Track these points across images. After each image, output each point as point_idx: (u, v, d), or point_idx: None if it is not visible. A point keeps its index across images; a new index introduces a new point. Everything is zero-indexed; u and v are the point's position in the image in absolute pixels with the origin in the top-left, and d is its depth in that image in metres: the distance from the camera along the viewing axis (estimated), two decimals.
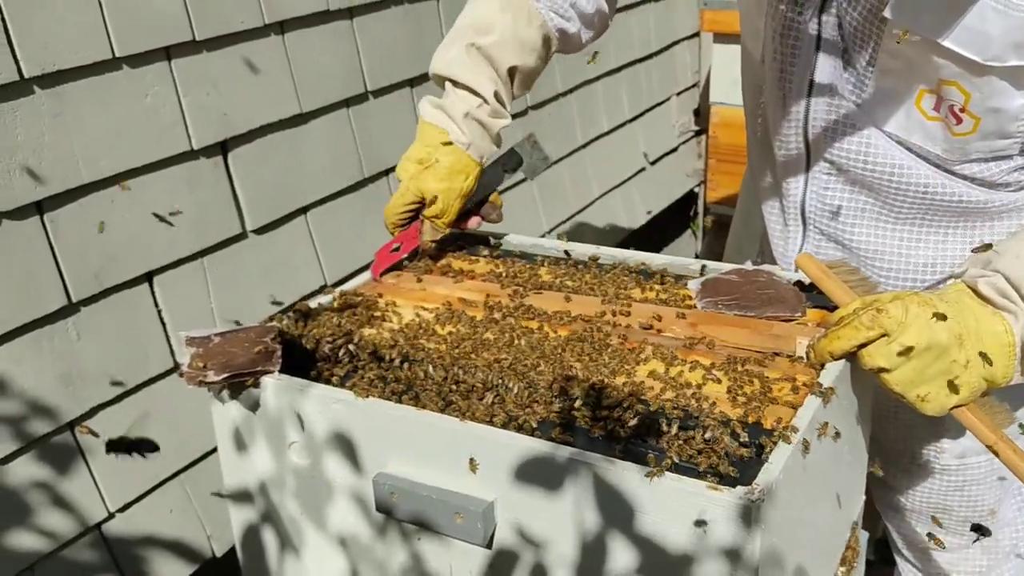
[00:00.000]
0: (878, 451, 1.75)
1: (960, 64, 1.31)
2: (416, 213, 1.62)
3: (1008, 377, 1.25)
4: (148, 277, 1.83)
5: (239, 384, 1.35)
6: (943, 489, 1.72)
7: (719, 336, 1.38)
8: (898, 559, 1.90)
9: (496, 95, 1.58)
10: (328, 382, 1.35)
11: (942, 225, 1.54)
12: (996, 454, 1.25)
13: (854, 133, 1.49)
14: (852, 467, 1.48)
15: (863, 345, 1.22)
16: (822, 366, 1.28)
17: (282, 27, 2.05)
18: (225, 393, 1.38)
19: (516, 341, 1.41)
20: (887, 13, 1.33)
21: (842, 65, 1.47)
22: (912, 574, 1.87)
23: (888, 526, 1.85)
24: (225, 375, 1.32)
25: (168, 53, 1.81)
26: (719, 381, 1.27)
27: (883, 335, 1.20)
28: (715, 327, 1.40)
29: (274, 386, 1.34)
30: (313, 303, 1.60)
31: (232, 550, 1.85)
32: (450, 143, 1.56)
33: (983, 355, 1.22)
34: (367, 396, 1.28)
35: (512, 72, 1.60)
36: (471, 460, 1.18)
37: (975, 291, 1.27)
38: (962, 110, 1.37)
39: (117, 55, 1.71)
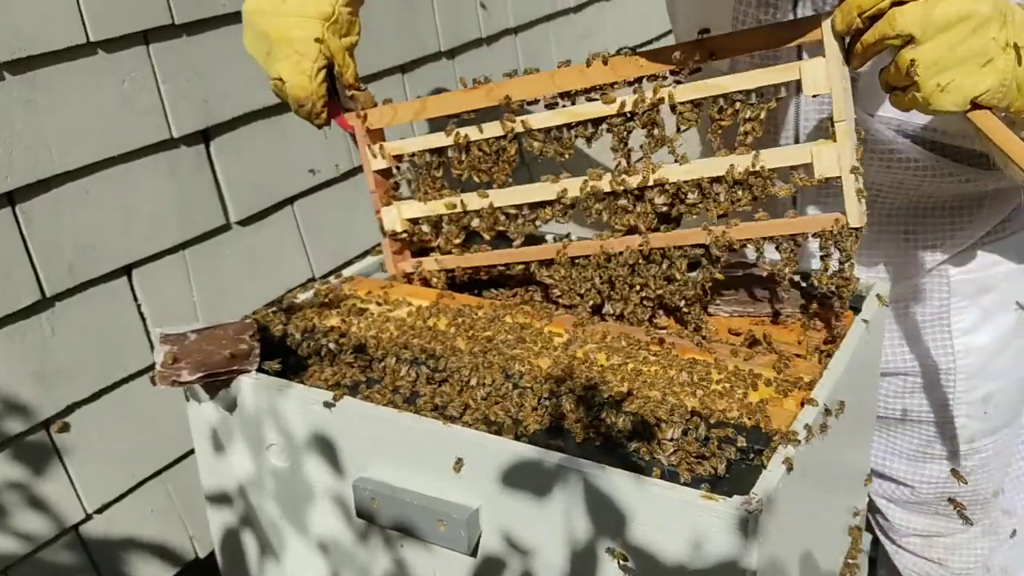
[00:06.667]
0: (886, 448, 1.72)
1: None
2: None
3: None
4: (127, 270, 1.76)
5: (215, 384, 1.30)
6: (949, 478, 1.69)
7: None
8: (891, 548, 1.85)
9: None
10: (310, 380, 1.30)
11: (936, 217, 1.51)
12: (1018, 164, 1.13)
13: None
14: (854, 469, 1.42)
15: (896, 4, 1.07)
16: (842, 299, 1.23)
17: None
18: (201, 393, 1.33)
19: (506, 338, 1.36)
20: None
21: None
22: (911, 561, 1.83)
23: (882, 518, 1.81)
24: (199, 375, 1.26)
25: (146, 37, 1.74)
26: (717, 382, 1.22)
27: None
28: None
29: (252, 386, 1.29)
30: (299, 297, 1.55)
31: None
32: None
33: None
34: (342, 397, 1.22)
35: None
36: (457, 460, 1.13)
37: None
38: None
39: (92, 39, 1.64)
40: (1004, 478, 1.74)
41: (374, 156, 1.51)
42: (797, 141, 1.49)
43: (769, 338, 1.32)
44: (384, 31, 2.27)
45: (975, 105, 1.10)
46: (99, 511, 1.74)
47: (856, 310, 1.36)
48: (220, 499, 1.42)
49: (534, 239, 1.48)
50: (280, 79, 1.40)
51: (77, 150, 1.65)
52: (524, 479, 1.09)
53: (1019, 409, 1.69)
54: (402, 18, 2.33)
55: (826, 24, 1.16)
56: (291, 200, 2.10)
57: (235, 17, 1.88)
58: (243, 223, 1.98)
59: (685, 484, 1.03)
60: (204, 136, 1.89)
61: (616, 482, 1.03)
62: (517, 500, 1.10)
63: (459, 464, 1.13)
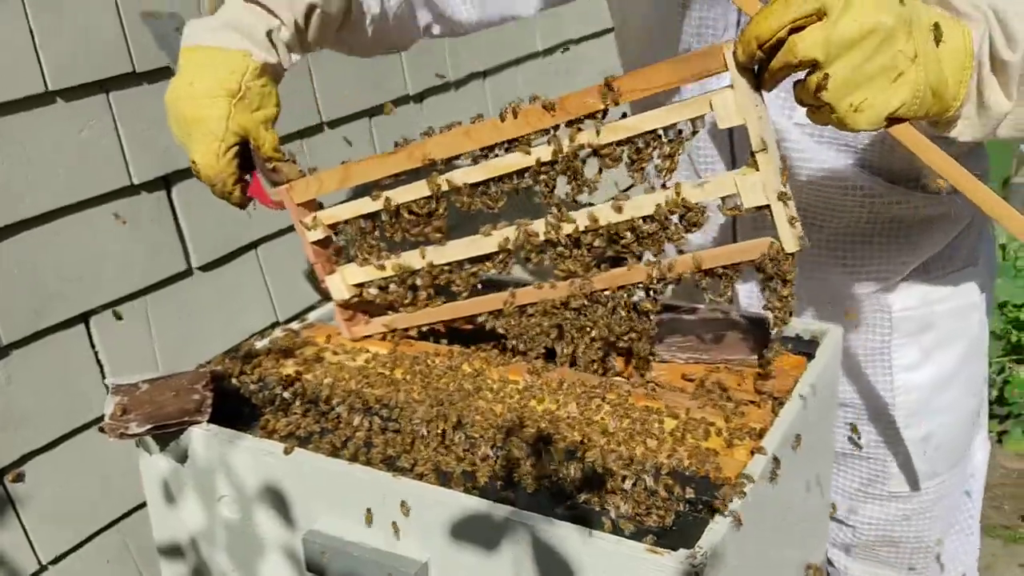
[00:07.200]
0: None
1: None
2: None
3: (958, 97, 1.10)
4: (84, 318, 1.75)
5: (165, 435, 1.29)
6: (890, 520, 1.69)
7: None
8: None
9: (296, 24, 1.42)
10: (263, 430, 1.29)
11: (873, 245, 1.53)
12: (947, 178, 1.11)
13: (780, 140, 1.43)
14: (812, 512, 1.42)
15: (795, 31, 1.02)
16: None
17: None
18: (152, 444, 1.31)
19: (462, 386, 1.35)
20: None
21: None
22: None
23: (832, 563, 1.81)
24: (148, 427, 1.25)
25: (105, 86, 1.74)
26: (669, 432, 1.21)
27: (819, 13, 1.01)
28: None
29: (203, 437, 1.28)
30: (257, 344, 1.54)
31: None
32: (255, 65, 1.37)
33: (936, 27, 1.05)
34: (293, 450, 1.21)
35: (310, 12, 1.43)
36: (402, 503, 1.11)
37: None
38: None
39: (51, 88, 1.65)
40: (948, 528, 1.73)
41: (308, 228, 1.48)
42: (732, 154, 1.50)
43: (722, 385, 1.32)
44: (350, 76, 2.28)
45: (893, 120, 1.08)
46: (53, 562, 1.71)
47: (810, 356, 1.37)
48: (172, 551, 1.40)
49: (490, 286, 1.48)
50: (194, 161, 1.39)
51: (34, 198, 1.65)
52: (473, 532, 1.08)
53: (962, 455, 1.70)
54: (367, 63, 2.34)
55: (728, 55, 1.11)
56: (255, 244, 2.09)
57: None
58: (205, 268, 1.98)
59: (632, 536, 1.02)
60: (165, 182, 1.89)
61: (562, 535, 1.02)
62: (466, 554, 1.09)
63: (405, 507, 1.11)
